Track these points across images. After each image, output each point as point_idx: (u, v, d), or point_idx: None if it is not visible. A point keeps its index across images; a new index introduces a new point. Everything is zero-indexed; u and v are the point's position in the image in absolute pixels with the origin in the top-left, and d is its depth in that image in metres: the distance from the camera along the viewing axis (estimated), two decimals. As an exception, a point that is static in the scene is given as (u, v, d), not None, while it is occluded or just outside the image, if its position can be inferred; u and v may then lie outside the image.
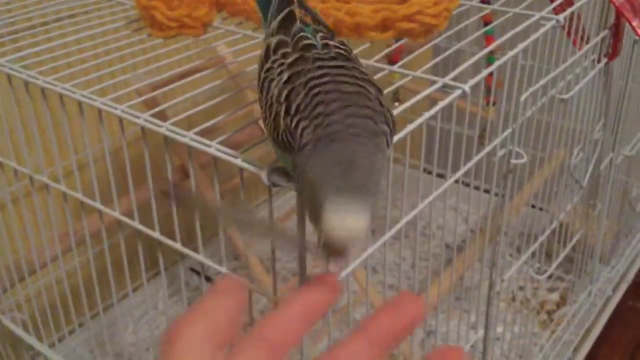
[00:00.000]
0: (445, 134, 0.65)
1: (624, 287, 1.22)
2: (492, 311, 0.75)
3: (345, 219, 0.30)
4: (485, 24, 1.05)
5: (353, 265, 0.51)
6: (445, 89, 0.53)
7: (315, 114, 0.34)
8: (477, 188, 0.66)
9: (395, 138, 0.48)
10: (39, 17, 0.74)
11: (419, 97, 0.52)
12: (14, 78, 0.55)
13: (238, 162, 0.42)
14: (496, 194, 0.69)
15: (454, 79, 0.55)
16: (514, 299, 1.20)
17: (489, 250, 1.13)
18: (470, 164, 0.59)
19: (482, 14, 0.74)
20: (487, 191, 0.70)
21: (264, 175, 0.40)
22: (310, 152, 0.33)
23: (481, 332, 0.79)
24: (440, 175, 0.59)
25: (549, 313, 1.19)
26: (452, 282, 0.96)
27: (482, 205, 0.71)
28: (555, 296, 1.22)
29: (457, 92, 0.52)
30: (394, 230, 0.53)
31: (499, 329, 1.07)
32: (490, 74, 0.99)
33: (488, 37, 1.07)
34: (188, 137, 0.47)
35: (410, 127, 0.48)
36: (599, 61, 0.82)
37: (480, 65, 0.65)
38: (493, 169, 0.65)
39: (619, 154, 0.96)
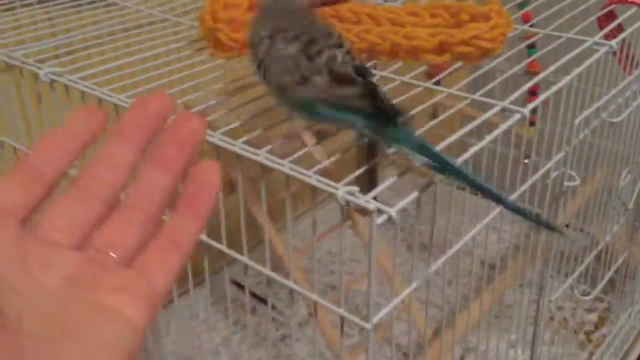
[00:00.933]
0: (488, 154, 0.66)
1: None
2: (539, 332, 0.75)
3: None
4: (528, 45, 1.06)
5: (408, 290, 0.52)
6: (505, 112, 0.54)
7: None
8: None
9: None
10: (95, 38, 0.76)
11: (478, 120, 0.53)
12: (87, 94, 0.58)
13: (312, 181, 0.44)
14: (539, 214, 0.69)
15: (488, 96, 0.57)
16: (552, 318, 1.20)
17: (530, 270, 1.13)
18: (525, 187, 0.60)
19: (532, 39, 0.75)
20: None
21: (340, 193, 0.42)
22: None
23: (527, 352, 0.79)
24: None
25: (587, 334, 1.19)
26: (492, 301, 0.96)
27: (520, 225, 0.71)
28: (593, 317, 1.21)
29: (517, 117, 0.54)
30: (449, 254, 0.54)
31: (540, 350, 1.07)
32: (535, 94, 0.99)
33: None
34: (237, 146, 0.49)
35: (472, 150, 0.50)
36: (647, 85, 0.82)
37: (518, 84, 0.65)
38: (537, 189, 0.65)
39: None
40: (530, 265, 1.11)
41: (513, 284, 1.12)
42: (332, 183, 0.43)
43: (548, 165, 0.63)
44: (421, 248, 1.36)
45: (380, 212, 0.41)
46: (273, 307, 1.23)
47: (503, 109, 0.55)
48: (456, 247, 0.54)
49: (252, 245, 1.15)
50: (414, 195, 0.44)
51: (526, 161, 0.79)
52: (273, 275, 0.51)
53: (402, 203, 0.43)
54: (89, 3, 0.83)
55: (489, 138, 0.51)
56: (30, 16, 0.82)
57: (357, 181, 1.11)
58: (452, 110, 0.57)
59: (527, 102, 1.16)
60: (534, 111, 1.10)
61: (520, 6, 0.96)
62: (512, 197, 0.60)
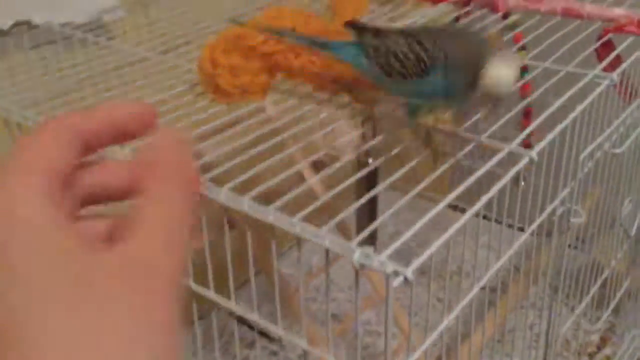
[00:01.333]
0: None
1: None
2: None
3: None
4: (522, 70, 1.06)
5: (425, 344, 0.51)
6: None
7: None
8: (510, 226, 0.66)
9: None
10: (90, 85, 0.75)
11: (488, 166, 0.53)
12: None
13: (325, 243, 0.43)
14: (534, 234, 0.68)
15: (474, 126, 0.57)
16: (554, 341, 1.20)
17: (531, 291, 1.12)
18: (534, 226, 0.60)
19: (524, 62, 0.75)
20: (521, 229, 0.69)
21: (356, 257, 0.41)
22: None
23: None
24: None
25: (590, 355, 1.19)
26: (495, 326, 0.96)
27: (516, 244, 0.71)
28: (595, 337, 1.21)
29: (525, 160, 0.54)
30: (470, 296, 0.53)
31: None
32: (527, 116, 0.98)
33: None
34: (246, 204, 0.48)
35: (490, 193, 0.49)
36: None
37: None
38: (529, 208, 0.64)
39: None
40: (532, 286, 1.10)
41: (515, 307, 1.12)
42: (346, 244, 0.42)
43: (554, 204, 0.62)
44: (419, 274, 1.36)
45: (396, 273, 0.41)
46: (272, 340, 1.21)
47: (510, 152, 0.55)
48: (476, 289, 0.54)
49: (240, 283, 1.14)
50: (432, 249, 0.44)
51: (522, 184, 0.78)
52: (289, 337, 0.51)
53: (419, 261, 0.43)
54: (83, 46, 0.82)
55: (499, 184, 0.51)
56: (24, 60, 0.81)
57: (358, 210, 1.10)
58: (465, 150, 0.56)
59: (522, 125, 1.15)
60: (529, 135, 1.10)
61: (512, 27, 0.96)
62: (532, 227, 0.60)
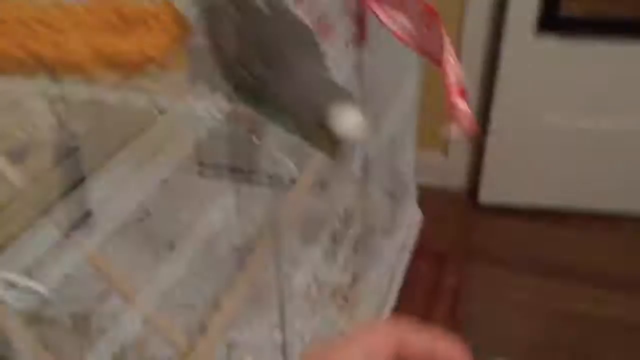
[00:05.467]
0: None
1: (406, 255, 1.29)
2: (287, 310, 0.74)
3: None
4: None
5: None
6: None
7: None
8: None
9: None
10: None
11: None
12: None
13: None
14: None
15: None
16: (309, 289, 1.21)
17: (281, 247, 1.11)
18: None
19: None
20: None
21: None
22: None
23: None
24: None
25: (344, 296, 1.21)
26: (247, 287, 0.93)
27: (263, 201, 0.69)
28: (347, 277, 1.24)
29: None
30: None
31: (297, 325, 1.06)
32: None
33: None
34: None
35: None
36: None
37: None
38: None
39: (383, 134, 0.99)
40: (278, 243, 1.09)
41: (266, 265, 1.10)
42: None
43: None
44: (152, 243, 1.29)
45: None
46: None
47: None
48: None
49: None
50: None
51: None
52: None
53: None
54: None
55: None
56: None
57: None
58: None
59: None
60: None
61: None
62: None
